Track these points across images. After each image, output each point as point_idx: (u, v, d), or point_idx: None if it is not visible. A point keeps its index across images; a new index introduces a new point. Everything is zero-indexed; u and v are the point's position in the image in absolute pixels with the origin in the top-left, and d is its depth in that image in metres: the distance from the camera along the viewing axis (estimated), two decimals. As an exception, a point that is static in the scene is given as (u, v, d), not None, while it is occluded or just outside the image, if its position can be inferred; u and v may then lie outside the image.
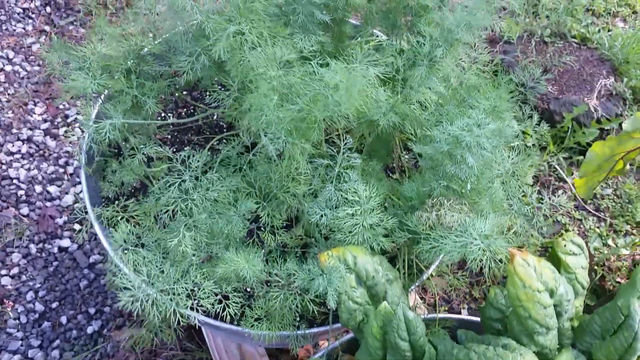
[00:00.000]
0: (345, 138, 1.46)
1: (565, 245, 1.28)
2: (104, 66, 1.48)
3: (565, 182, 2.94)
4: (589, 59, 3.33)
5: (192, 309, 1.19)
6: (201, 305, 1.19)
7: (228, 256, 1.19)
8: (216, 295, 1.20)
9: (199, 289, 1.17)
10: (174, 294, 1.12)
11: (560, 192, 2.95)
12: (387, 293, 1.23)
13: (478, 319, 1.59)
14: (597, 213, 2.84)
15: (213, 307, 1.18)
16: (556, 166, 2.95)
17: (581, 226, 2.82)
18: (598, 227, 2.79)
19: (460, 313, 2.46)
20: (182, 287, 1.14)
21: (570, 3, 3.54)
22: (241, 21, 1.24)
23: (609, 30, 3.42)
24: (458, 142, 1.19)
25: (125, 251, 1.20)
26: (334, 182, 1.26)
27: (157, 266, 1.15)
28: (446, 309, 2.44)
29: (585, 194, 2.06)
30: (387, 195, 1.38)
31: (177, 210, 1.16)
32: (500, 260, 1.17)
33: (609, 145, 1.80)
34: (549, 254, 1.33)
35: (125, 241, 1.19)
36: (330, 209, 1.25)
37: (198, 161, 1.09)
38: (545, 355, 1.21)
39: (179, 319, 1.13)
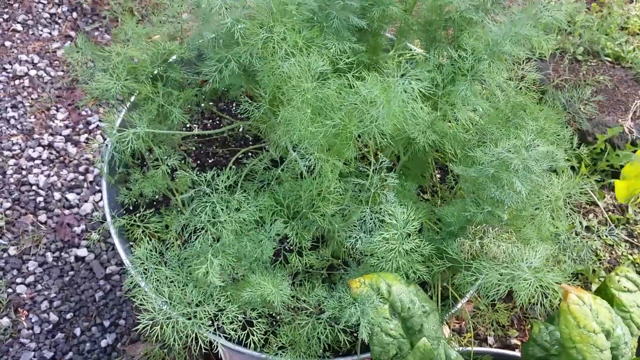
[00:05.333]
0: (378, 155, 1.38)
1: (619, 281, 1.18)
2: (130, 69, 1.43)
3: (597, 205, 2.82)
4: (624, 79, 3.22)
5: (214, 332, 1.12)
6: (224, 332, 1.11)
7: (255, 280, 1.11)
8: (240, 320, 1.13)
9: (223, 314, 1.10)
10: (195, 318, 1.05)
11: (591, 215, 2.83)
12: (424, 326, 1.15)
13: (514, 353, 1.49)
14: (629, 239, 2.71)
15: (236, 334, 1.10)
16: (587, 189, 2.84)
17: (613, 252, 2.70)
18: (631, 254, 2.67)
19: (486, 340, 2.36)
20: (205, 311, 1.07)
21: (604, 21, 3.44)
22: (274, 25, 1.17)
23: (644, 50, 3.32)
24: (505, 165, 1.10)
25: (146, 270, 1.13)
26: (370, 203, 1.18)
27: (179, 287, 1.08)
28: (471, 335, 2.33)
29: (624, 199, 1.95)
30: (424, 219, 1.29)
31: (200, 227, 1.09)
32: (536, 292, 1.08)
33: (659, 148, 1.69)
34: (599, 289, 1.23)
35: (147, 258, 1.13)
36: (365, 232, 1.17)
37: (224, 182, 1.02)
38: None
39: (199, 344, 1.06)
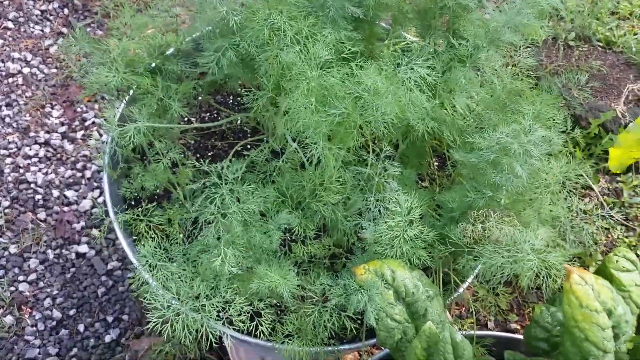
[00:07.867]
0: (377, 143, 1.39)
1: (617, 261, 1.20)
2: (128, 62, 1.43)
3: (592, 189, 2.85)
4: (615, 63, 3.25)
5: (222, 324, 1.13)
6: (231, 323, 1.12)
7: (261, 271, 1.12)
8: (247, 312, 1.14)
9: (230, 306, 1.11)
10: (204, 311, 1.06)
11: (586, 199, 2.86)
12: (428, 311, 1.16)
13: (515, 335, 1.51)
14: (625, 222, 2.74)
15: (244, 325, 1.11)
16: (582, 173, 2.86)
17: (609, 235, 2.73)
18: (627, 237, 2.70)
19: (486, 325, 2.39)
20: (213, 305, 1.08)
21: (595, 6, 3.45)
22: (271, 13, 1.17)
23: (635, 34, 3.33)
24: (505, 150, 1.12)
25: (153, 266, 1.13)
26: (374, 192, 1.19)
27: (186, 282, 1.08)
28: (472, 321, 2.36)
29: (616, 167, 1.96)
30: (425, 206, 1.31)
31: (211, 219, 1.09)
32: (537, 274, 1.09)
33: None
34: (598, 269, 1.25)
35: (152, 255, 1.13)
36: (369, 221, 1.18)
37: (234, 173, 1.03)
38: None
39: (209, 338, 1.07)
